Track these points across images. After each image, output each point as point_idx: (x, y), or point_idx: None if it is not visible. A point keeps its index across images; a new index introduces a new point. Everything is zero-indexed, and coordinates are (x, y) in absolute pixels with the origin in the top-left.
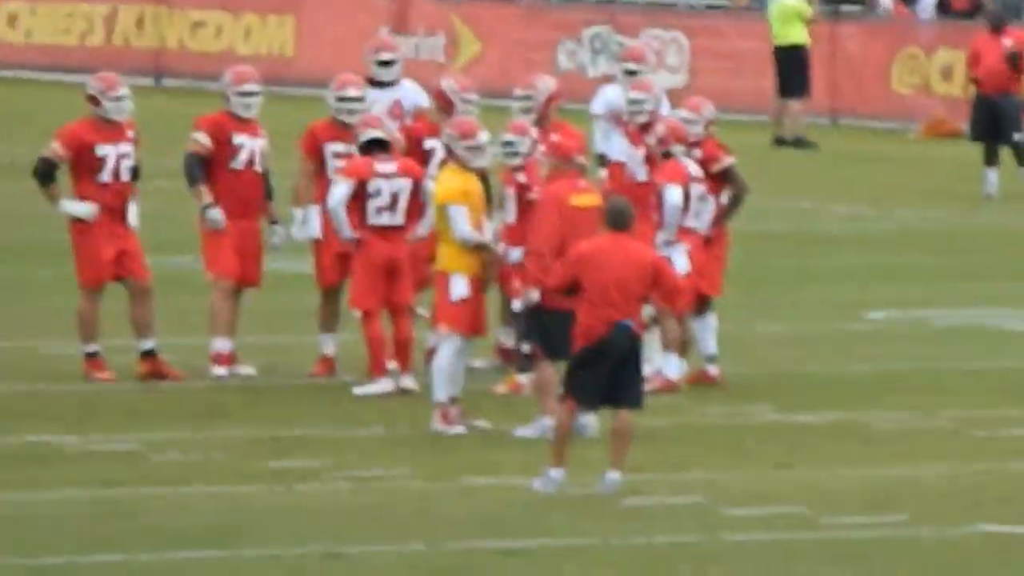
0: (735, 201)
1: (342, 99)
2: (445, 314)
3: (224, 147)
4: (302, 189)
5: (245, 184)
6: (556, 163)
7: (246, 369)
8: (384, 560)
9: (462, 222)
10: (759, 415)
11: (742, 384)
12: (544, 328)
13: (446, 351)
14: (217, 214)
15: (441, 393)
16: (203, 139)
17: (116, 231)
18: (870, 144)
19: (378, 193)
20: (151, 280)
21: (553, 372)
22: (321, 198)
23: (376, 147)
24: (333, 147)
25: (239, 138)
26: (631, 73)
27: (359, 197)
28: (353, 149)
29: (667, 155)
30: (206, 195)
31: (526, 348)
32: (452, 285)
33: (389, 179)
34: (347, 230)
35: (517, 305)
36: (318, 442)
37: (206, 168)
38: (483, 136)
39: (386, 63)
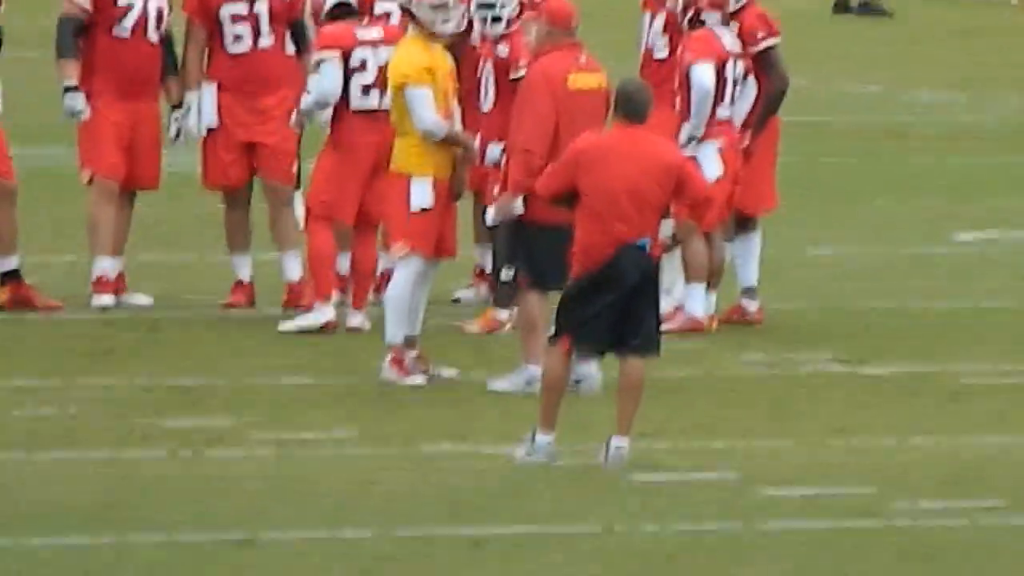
0: (770, 99)
1: None
2: (402, 229)
3: (107, 8)
4: (191, 67)
5: (135, 56)
6: (549, 32)
7: (139, 298)
8: (313, 549)
9: (426, 108)
10: (812, 365)
11: (790, 325)
12: (531, 249)
13: (403, 277)
14: (76, 101)
15: (395, 332)
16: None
17: None
18: (961, 12)
19: (362, 67)
20: (15, 180)
21: (542, 306)
22: (216, 74)
23: (344, 13)
24: (231, 8)
25: None
26: None
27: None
28: (251, 8)
29: (696, 23)
30: (69, 73)
31: (507, 274)
32: (412, 191)
33: (375, 48)
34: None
35: (492, 217)
36: (232, 394)
37: (86, 36)
38: None
39: None
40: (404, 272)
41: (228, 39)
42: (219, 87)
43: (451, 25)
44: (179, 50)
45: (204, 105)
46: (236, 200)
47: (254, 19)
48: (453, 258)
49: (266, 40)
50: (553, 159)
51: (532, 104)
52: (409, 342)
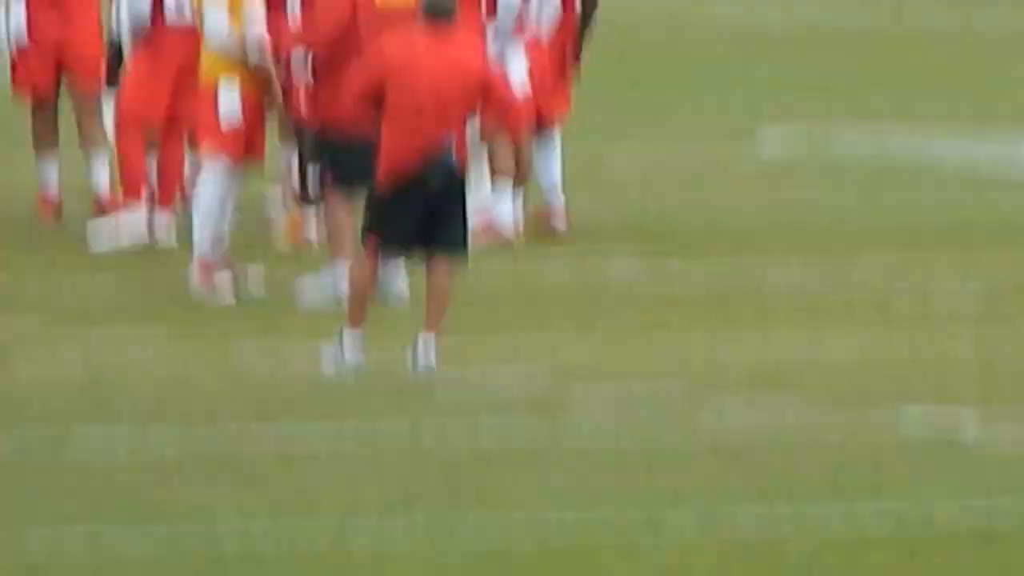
0: (586, 16)
1: None
2: (210, 133)
3: None
4: None
5: None
6: None
7: None
8: (119, 448)
9: (218, 20)
10: (618, 268)
11: (597, 228)
12: (335, 152)
13: (210, 181)
14: None
15: (203, 238)
16: None
17: None
18: None
19: None
20: None
21: (348, 209)
22: None
23: None
24: None
25: None
26: None
27: None
28: None
29: None
30: None
31: (313, 178)
32: (220, 96)
33: None
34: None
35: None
36: (40, 294)
37: None
38: None
39: None
40: (212, 176)
41: None
42: None
43: None
44: None
45: (12, 11)
46: (43, 105)
47: None
48: (261, 161)
49: None
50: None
51: (332, 7)
52: (216, 247)
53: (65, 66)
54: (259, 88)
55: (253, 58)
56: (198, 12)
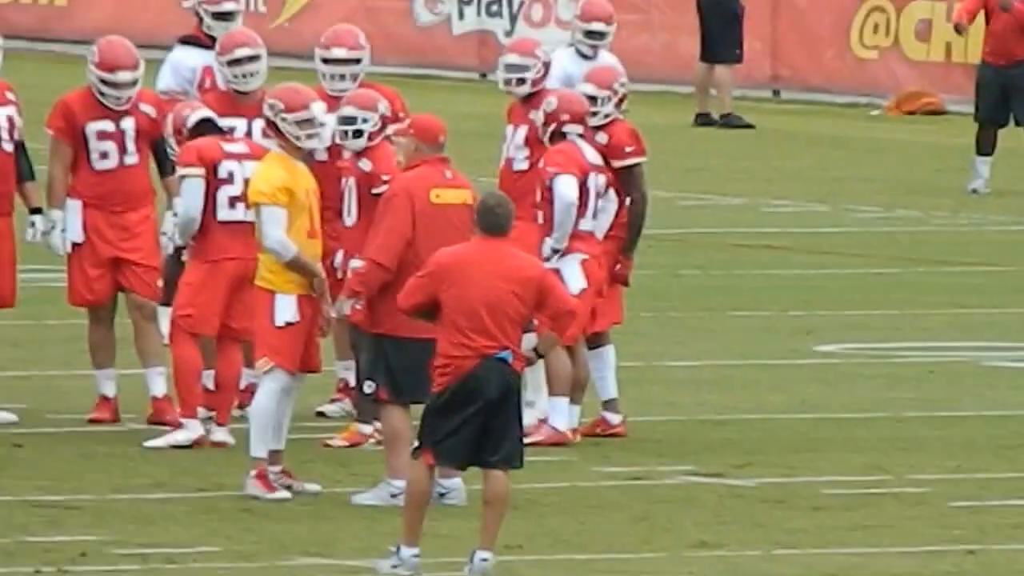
0: (635, 219)
1: (235, 62)
2: (267, 344)
3: None
4: (56, 183)
5: None
6: (416, 146)
7: (2, 415)
8: None
9: (275, 228)
10: (675, 478)
11: (652, 437)
12: (390, 362)
13: (267, 391)
14: None
15: (260, 446)
16: None
17: None
18: (822, 123)
19: (229, 179)
20: None
21: (405, 419)
22: (81, 191)
23: (208, 129)
24: (96, 125)
25: None
26: (596, 36)
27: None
28: (117, 126)
29: (557, 137)
30: None
31: (369, 387)
32: (277, 306)
33: (240, 161)
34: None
35: (330, 311)
36: (96, 510)
37: None
38: (318, 108)
39: (226, 15)
40: (268, 387)
41: (94, 156)
42: (84, 204)
43: (315, 141)
44: (34, 159)
45: (69, 221)
46: (100, 316)
47: (120, 136)
48: (317, 373)
49: (131, 158)
50: (414, 273)
51: (388, 217)
52: (273, 457)
53: (122, 277)
54: (316, 298)
55: (311, 274)
56: (256, 219)
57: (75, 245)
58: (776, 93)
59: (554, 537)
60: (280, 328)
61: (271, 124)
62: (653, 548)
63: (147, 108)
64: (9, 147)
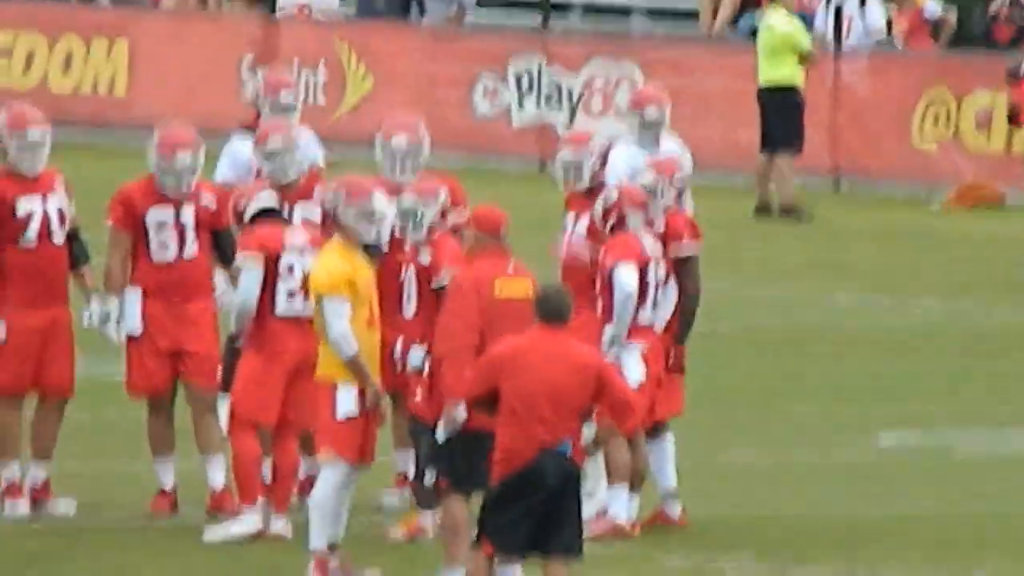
0: (687, 310)
1: (270, 155)
2: (328, 435)
3: (7, 224)
4: (115, 273)
5: (43, 263)
6: (478, 237)
7: (63, 505)
8: None
9: (340, 320)
10: (736, 570)
11: (713, 528)
12: (451, 452)
13: (328, 482)
14: None
15: (320, 538)
16: None
17: None
18: (883, 215)
19: (289, 272)
20: None
21: (464, 509)
22: (141, 281)
23: (268, 219)
24: (156, 216)
25: (26, 204)
26: (650, 124)
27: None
28: (178, 216)
29: (618, 226)
30: None
31: (429, 479)
32: (339, 398)
33: (301, 254)
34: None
35: (442, 432)
36: None
37: None
38: (380, 199)
39: (285, 107)
40: (329, 478)
41: (153, 246)
42: (144, 293)
43: (375, 233)
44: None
45: (127, 311)
46: (159, 406)
47: (180, 227)
48: (370, 464)
49: (191, 248)
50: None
51: (460, 310)
52: (332, 548)
53: (181, 368)
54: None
55: (366, 382)
56: (319, 313)
57: (132, 337)
58: (836, 184)
59: None
60: (341, 420)
61: (331, 215)
62: None
63: (207, 198)
64: (59, 239)
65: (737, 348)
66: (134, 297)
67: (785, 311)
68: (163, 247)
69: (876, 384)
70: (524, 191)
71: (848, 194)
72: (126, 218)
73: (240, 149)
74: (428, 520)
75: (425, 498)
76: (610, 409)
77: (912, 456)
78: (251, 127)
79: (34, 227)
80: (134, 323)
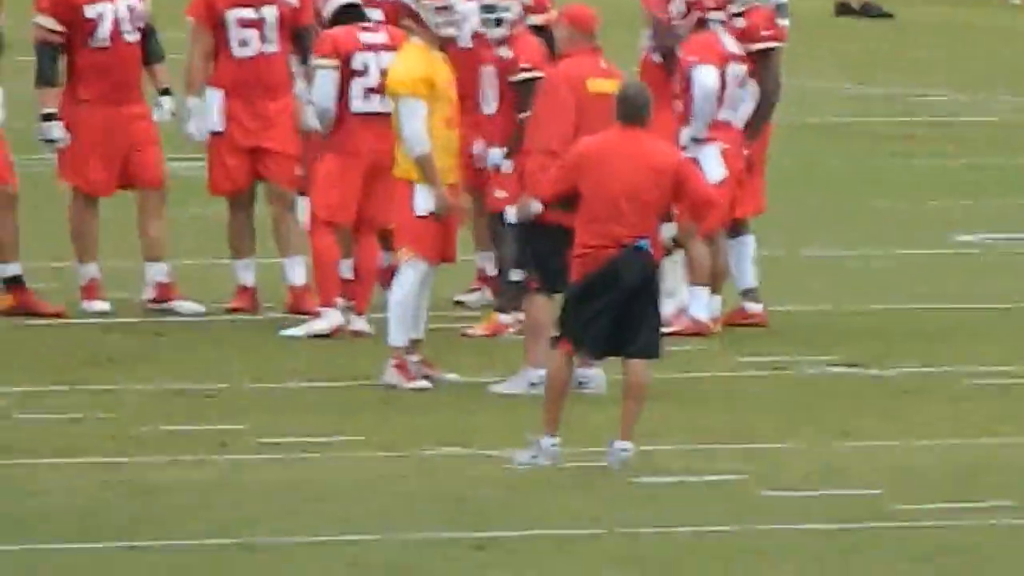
0: (762, 104)
1: None
2: (408, 233)
3: (78, 25)
4: (195, 71)
5: (116, 61)
6: (570, 35)
7: (189, 306)
8: (318, 554)
9: (414, 121)
10: (814, 367)
11: (793, 327)
12: (543, 251)
13: (407, 281)
14: (52, 130)
15: (399, 336)
16: (47, 22)
17: None
18: (960, 11)
19: (364, 71)
20: (17, 185)
21: (548, 309)
22: (222, 79)
23: (350, 15)
24: (238, 13)
25: (94, 7)
26: None
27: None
28: (259, 13)
29: (698, 25)
30: (45, 101)
31: (515, 276)
32: (417, 197)
33: (377, 53)
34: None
35: (511, 216)
36: (235, 399)
37: (67, 52)
38: None
39: None
40: (409, 276)
41: (234, 44)
42: (225, 93)
43: (453, 29)
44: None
45: (209, 109)
46: (240, 204)
47: (261, 24)
48: (453, 263)
49: (272, 46)
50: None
51: (554, 105)
52: (412, 345)
53: (261, 167)
54: (455, 188)
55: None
56: (395, 110)
57: (214, 134)
58: None
59: (694, 427)
60: (420, 218)
61: (409, 11)
62: (793, 438)
63: None
64: (131, 37)
65: (817, 145)
66: (216, 96)
67: (865, 108)
68: (243, 44)
69: (954, 182)
70: None
71: None
72: (207, 15)
73: None
74: (508, 319)
75: (507, 297)
76: (689, 207)
77: (990, 253)
78: None
79: (105, 27)
80: (216, 122)
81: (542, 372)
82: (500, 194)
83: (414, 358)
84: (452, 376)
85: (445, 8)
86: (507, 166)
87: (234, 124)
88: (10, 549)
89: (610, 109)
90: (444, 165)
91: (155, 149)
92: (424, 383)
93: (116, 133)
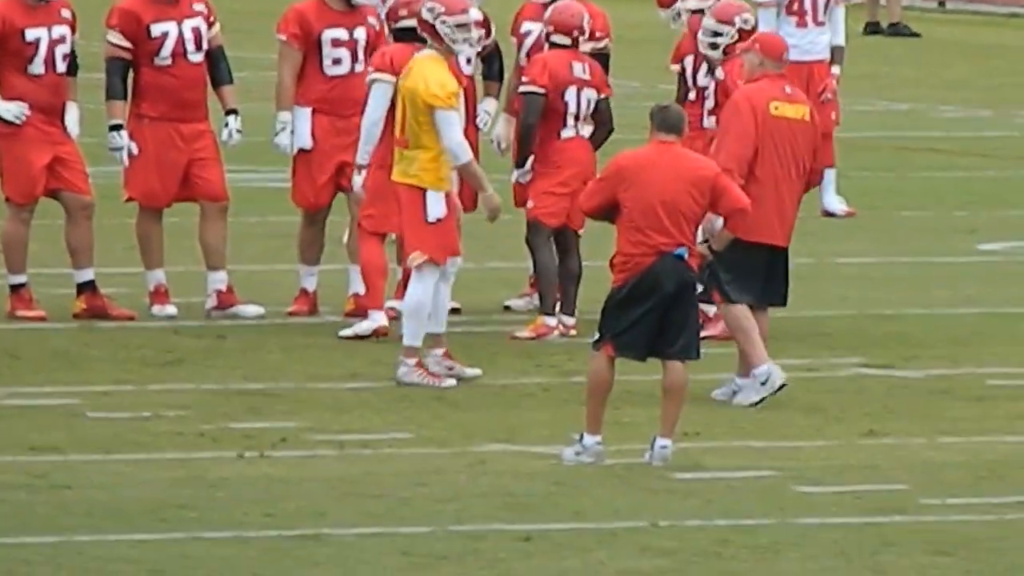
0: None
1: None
2: (419, 239)
3: (143, 43)
4: (286, 88)
5: (178, 81)
6: (762, 62)
7: (250, 309)
8: (375, 544)
9: (457, 131)
10: (843, 369)
11: (823, 330)
12: (724, 265)
13: (421, 285)
14: (119, 139)
15: (416, 338)
16: (116, 39)
17: (51, 135)
18: (985, 32)
19: None
20: (92, 196)
21: (746, 313)
22: (310, 97)
23: (410, 36)
24: (333, 33)
25: (159, 26)
26: None
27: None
28: (350, 34)
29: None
30: (113, 113)
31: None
32: (428, 203)
33: None
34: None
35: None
36: (295, 398)
37: (134, 69)
38: (474, 10)
39: None
40: (422, 281)
41: (327, 62)
42: (313, 110)
43: (468, 47)
44: (247, 66)
45: (299, 127)
46: (317, 217)
47: (353, 44)
48: (459, 256)
49: (360, 65)
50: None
51: (736, 126)
52: (435, 340)
53: (344, 180)
54: (451, 196)
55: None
56: (416, 121)
57: (302, 151)
58: (942, 3)
59: (731, 425)
60: (431, 224)
61: (428, 26)
62: (824, 436)
63: (373, 20)
64: (195, 57)
65: (845, 158)
66: (304, 114)
67: (892, 123)
68: (336, 63)
69: (978, 192)
70: (626, 7)
71: (953, 12)
72: (301, 35)
73: None
74: (553, 322)
75: (549, 303)
76: (725, 217)
77: (1012, 260)
78: None
79: (169, 46)
80: (305, 139)
81: (763, 367)
82: (531, 204)
83: (438, 351)
84: (473, 371)
85: (464, 25)
86: (526, 178)
87: (322, 141)
88: (85, 540)
89: (791, 131)
90: (444, 175)
91: (217, 166)
92: (451, 382)
93: (176, 149)
